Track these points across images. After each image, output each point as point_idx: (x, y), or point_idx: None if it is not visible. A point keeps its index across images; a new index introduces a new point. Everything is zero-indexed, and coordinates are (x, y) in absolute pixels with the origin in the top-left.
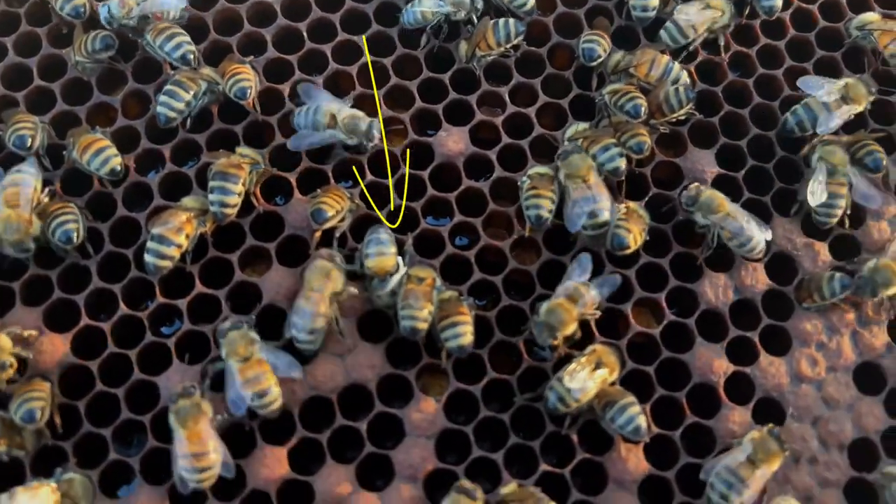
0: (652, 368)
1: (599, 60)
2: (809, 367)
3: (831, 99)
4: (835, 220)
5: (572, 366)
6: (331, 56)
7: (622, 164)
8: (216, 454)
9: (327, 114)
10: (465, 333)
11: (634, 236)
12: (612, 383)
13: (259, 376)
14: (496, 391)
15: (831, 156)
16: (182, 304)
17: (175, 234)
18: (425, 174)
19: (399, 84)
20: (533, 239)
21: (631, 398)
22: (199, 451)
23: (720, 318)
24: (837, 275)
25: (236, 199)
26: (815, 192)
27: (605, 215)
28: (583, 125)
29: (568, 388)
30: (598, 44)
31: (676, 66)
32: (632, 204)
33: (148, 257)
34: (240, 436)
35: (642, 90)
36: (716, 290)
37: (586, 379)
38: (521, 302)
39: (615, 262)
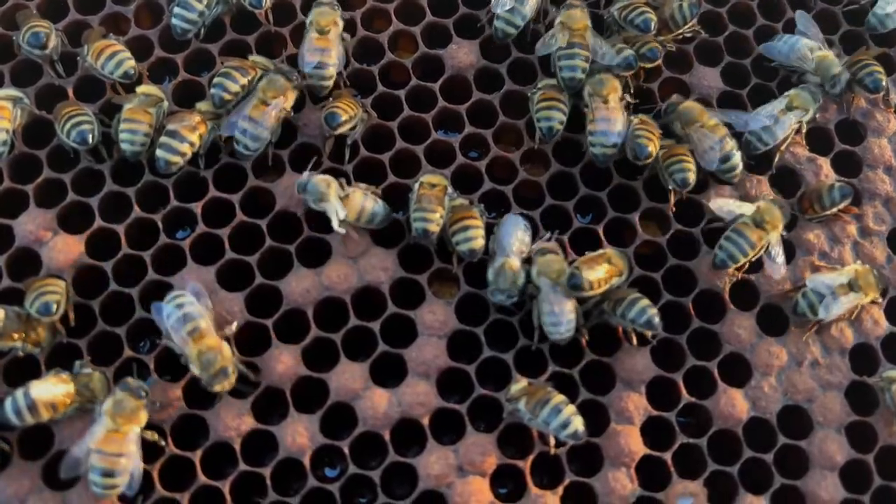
0: (659, 275)
1: None
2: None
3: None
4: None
5: (584, 258)
6: None
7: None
8: (128, 461)
9: None
10: (476, 237)
11: (654, 144)
12: (619, 287)
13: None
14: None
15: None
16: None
17: (189, 131)
18: (436, 86)
19: None
20: (542, 151)
21: (639, 294)
22: (115, 451)
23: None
24: (837, 184)
25: (237, 88)
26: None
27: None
28: None
29: (586, 277)
30: None
31: None
32: (643, 115)
33: (160, 152)
34: (256, 336)
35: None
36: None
37: (599, 271)
38: (532, 211)
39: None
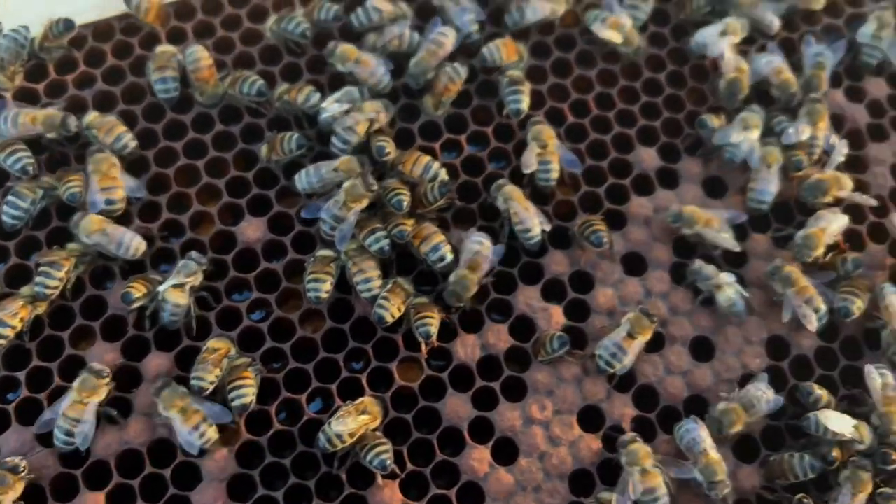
0: (410, 416)
1: (388, 157)
2: (539, 411)
3: None
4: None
5: (341, 412)
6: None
7: (387, 244)
8: (83, 426)
9: None
10: (248, 395)
11: (392, 312)
12: (375, 429)
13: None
14: (282, 441)
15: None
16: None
17: (11, 317)
18: (229, 258)
19: (210, 183)
20: (319, 310)
21: (382, 440)
22: (75, 417)
23: (469, 372)
24: (557, 334)
25: (57, 283)
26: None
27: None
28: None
29: (335, 431)
30: (387, 143)
31: (435, 165)
32: (400, 279)
33: None
34: None
35: (410, 184)
36: (466, 349)
37: (350, 423)
38: (306, 365)
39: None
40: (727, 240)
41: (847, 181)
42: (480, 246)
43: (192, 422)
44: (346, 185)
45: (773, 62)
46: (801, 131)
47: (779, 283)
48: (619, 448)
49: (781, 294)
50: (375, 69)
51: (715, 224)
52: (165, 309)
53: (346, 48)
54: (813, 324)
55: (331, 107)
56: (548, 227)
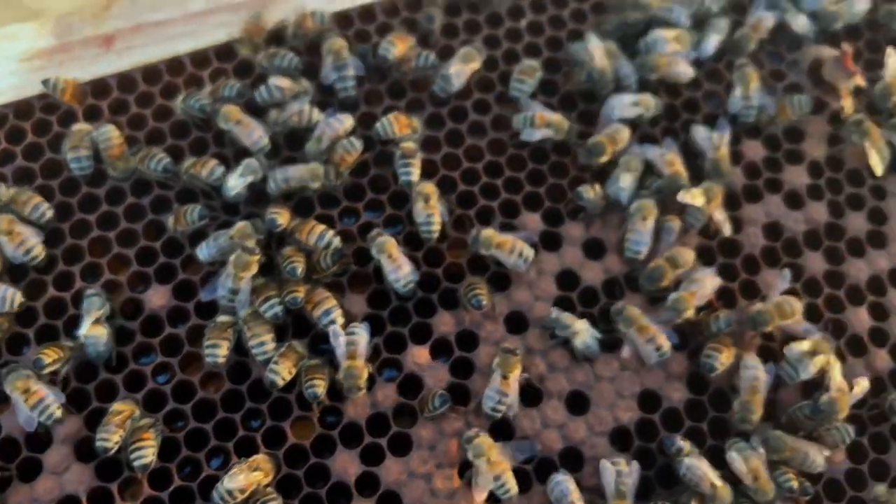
0: (302, 472)
1: (280, 229)
2: (422, 465)
3: None
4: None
5: (234, 469)
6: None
7: (280, 311)
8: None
9: None
10: (148, 455)
11: (283, 375)
12: (268, 485)
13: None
14: (183, 496)
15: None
16: None
17: None
18: (136, 325)
19: (121, 253)
20: (219, 372)
21: (273, 495)
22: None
23: (359, 429)
24: (439, 392)
25: None
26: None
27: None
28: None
29: (227, 488)
30: (280, 216)
31: (329, 233)
32: (294, 342)
33: None
34: None
35: (306, 252)
36: (356, 408)
37: (241, 480)
38: (206, 424)
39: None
40: (517, 263)
41: (688, 256)
42: (356, 335)
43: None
44: (231, 257)
45: (665, 153)
46: (693, 195)
47: (622, 323)
48: (465, 444)
49: (625, 333)
50: (251, 132)
51: (507, 246)
52: (90, 345)
53: (229, 109)
54: (652, 360)
55: (234, 183)
56: (416, 277)
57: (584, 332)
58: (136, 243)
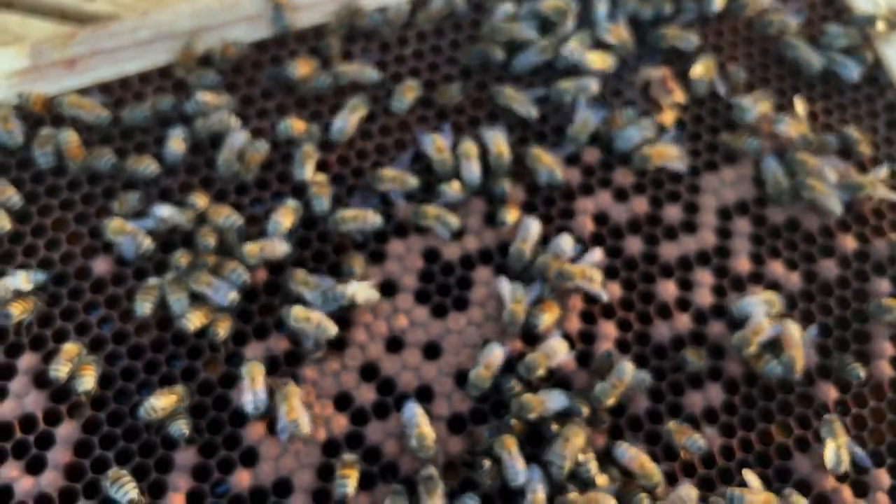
0: (210, 399)
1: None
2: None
3: None
4: None
5: (157, 392)
6: None
7: None
8: None
9: None
10: (88, 381)
11: (195, 323)
12: (183, 409)
13: None
14: (116, 418)
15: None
16: None
17: None
18: (86, 285)
19: (77, 230)
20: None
21: (184, 416)
22: None
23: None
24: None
25: None
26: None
27: None
28: None
29: (151, 404)
30: (199, 199)
31: (234, 216)
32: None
33: None
34: None
35: (218, 230)
36: (253, 350)
37: (163, 400)
38: (137, 362)
39: None
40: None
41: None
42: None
43: None
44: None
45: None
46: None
47: None
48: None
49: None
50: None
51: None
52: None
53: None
54: None
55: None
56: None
57: None
58: (89, 222)
